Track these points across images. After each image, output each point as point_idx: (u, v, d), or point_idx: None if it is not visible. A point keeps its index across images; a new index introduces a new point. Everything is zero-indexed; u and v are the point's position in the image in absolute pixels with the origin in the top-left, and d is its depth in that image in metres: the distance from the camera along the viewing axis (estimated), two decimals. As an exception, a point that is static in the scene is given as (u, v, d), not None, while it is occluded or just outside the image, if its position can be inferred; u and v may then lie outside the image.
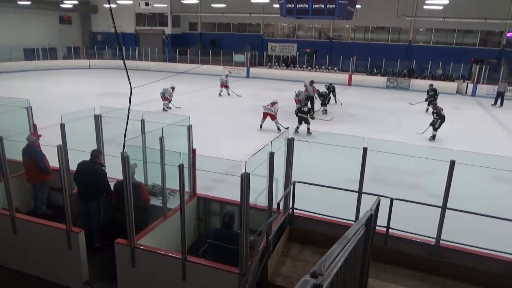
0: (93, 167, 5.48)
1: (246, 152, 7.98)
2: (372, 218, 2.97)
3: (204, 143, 7.82)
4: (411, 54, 27.58)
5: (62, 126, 5.33)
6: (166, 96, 15.88)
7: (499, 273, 4.19)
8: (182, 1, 31.12)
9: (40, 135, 6.21)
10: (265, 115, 13.35)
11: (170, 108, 16.10)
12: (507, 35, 26.29)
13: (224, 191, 6.32)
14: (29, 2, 28.44)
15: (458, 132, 13.75)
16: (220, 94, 20.28)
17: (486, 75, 23.03)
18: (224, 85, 20.30)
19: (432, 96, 17.44)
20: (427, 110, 17.43)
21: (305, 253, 4.72)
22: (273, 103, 13.29)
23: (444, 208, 4.38)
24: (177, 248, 4.60)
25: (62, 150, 4.59)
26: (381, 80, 25.58)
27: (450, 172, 4.22)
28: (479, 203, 6.63)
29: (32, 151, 5.98)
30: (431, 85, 18.14)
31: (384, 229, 4.47)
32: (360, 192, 4.70)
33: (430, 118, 12.82)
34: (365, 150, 4.49)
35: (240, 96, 20.19)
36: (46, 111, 10.24)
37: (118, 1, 26.70)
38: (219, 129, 13.54)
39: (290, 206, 5.00)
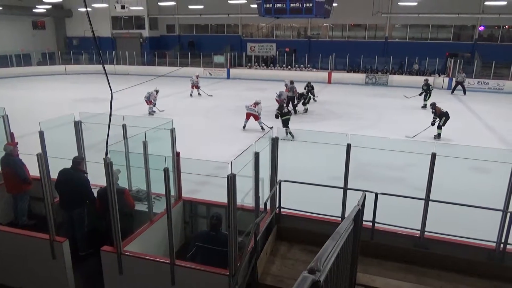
0: (74, 175, 5.37)
1: (230, 153, 7.95)
2: (359, 213, 3.01)
3: (188, 146, 7.77)
4: (388, 50, 28.05)
5: (41, 133, 5.20)
6: (151, 100, 15.71)
7: (482, 261, 4.30)
8: (159, 3, 30.82)
9: (16, 143, 6.04)
10: (248, 116, 13.37)
11: (155, 112, 15.93)
12: (479, 29, 27.07)
13: (210, 193, 6.29)
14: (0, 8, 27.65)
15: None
16: (191, 95, 20.30)
17: (461, 69, 23.63)
18: (195, 85, 20.32)
19: (425, 91, 17.72)
20: (424, 106, 17.55)
21: (293, 251, 4.74)
22: (256, 103, 13.31)
23: (427, 200, 4.47)
24: (164, 253, 4.55)
25: (42, 158, 4.48)
26: (360, 76, 25.94)
27: (431, 165, 4.30)
28: (460, 193, 6.78)
29: (11, 160, 5.81)
30: (426, 79, 18.50)
31: (370, 223, 4.53)
32: (345, 188, 4.75)
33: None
34: (348, 146, 4.54)
35: (211, 96, 20.18)
36: (23, 119, 9.99)
37: (93, 5, 26.27)
38: (203, 131, 13.48)
39: (277, 205, 5.01)
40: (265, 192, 4.81)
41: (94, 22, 4.91)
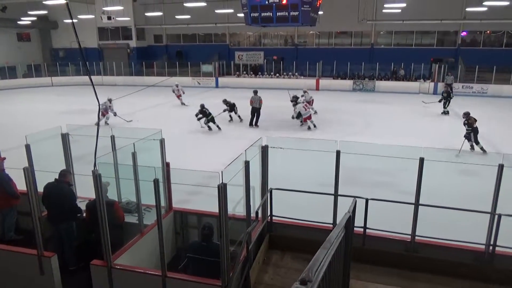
0: (58, 187, 5.28)
1: (221, 162, 7.94)
2: (350, 220, 3.02)
3: (178, 156, 7.72)
4: (374, 57, 28.42)
5: (28, 147, 5.13)
6: (107, 111, 15.35)
7: (472, 263, 4.35)
8: (145, 14, 30.80)
9: (4, 158, 5.94)
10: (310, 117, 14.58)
11: (108, 124, 15.33)
12: (462, 34, 27.66)
13: (201, 203, 6.25)
14: (-17, 20, 27.33)
15: (426, 129, 14.29)
16: (183, 104, 20.25)
17: (446, 73, 24.07)
18: (179, 95, 20.32)
19: (445, 98, 17.78)
20: (443, 112, 17.60)
21: (286, 260, 4.73)
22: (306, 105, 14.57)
23: (416, 204, 4.51)
24: (156, 265, 4.49)
25: (29, 172, 4.41)
26: (348, 83, 26.20)
27: (420, 169, 4.35)
28: (448, 197, 6.87)
29: (-3, 175, 5.71)
30: (446, 86, 18.71)
31: (362, 229, 4.55)
32: (336, 195, 4.76)
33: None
34: (338, 153, 4.57)
35: (187, 105, 19.70)
36: (9, 133, 9.85)
37: (79, 16, 26.11)
38: (193, 140, 13.43)
39: (268, 213, 5.01)
40: (256, 201, 4.80)
41: (80, 34, 4.89)
